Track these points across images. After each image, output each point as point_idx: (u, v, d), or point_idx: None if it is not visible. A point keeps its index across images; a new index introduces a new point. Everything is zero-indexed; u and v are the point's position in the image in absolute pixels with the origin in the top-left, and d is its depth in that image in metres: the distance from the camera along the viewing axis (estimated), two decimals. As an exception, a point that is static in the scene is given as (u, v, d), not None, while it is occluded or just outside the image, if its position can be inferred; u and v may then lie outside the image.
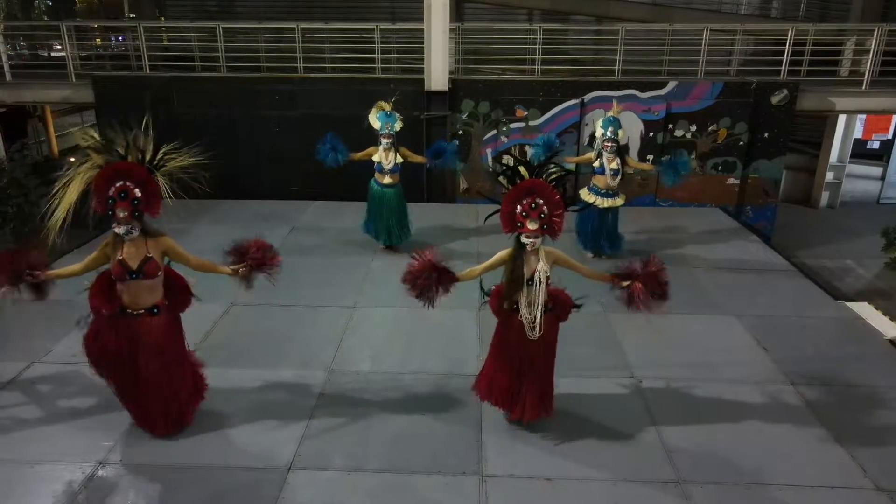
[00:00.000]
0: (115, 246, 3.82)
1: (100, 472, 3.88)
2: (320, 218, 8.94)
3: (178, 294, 4.13)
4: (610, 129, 6.94)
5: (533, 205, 3.75)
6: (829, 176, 13.00)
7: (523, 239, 3.83)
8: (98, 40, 14.75)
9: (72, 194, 3.78)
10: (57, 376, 4.89)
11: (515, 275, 3.91)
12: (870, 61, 9.82)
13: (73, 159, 3.85)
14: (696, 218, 9.24)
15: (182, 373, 4.12)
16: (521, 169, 3.89)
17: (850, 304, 6.40)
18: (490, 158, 9.96)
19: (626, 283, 4.07)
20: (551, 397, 4.27)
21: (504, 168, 3.96)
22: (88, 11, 24.92)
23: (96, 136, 3.85)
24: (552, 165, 3.96)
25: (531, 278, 3.88)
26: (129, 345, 3.89)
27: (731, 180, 9.95)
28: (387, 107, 7.01)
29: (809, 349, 5.51)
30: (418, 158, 7.34)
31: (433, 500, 3.73)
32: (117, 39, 16.62)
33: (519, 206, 3.77)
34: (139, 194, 3.71)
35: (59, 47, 13.32)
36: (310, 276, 6.86)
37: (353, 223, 8.39)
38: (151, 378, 3.94)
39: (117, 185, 3.67)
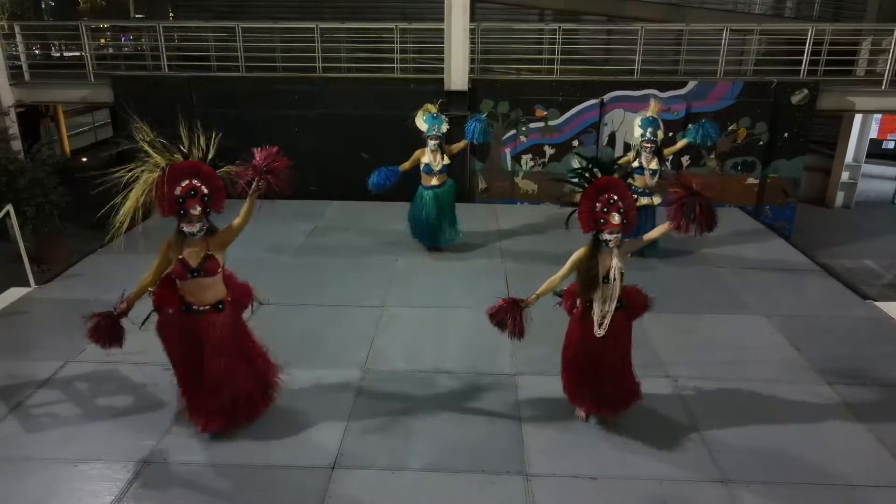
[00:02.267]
0: (177, 246, 3.80)
1: (144, 471, 3.87)
2: (341, 218, 8.94)
3: (240, 293, 4.15)
4: (649, 129, 6.93)
5: (611, 200, 3.81)
6: (845, 176, 12.97)
7: (605, 236, 3.84)
8: (103, 40, 14.77)
9: (136, 195, 3.73)
10: (92, 375, 4.89)
11: (591, 273, 3.94)
12: (889, 60, 9.80)
13: (131, 165, 3.76)
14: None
15: (247, 371, 4.08)
16: (595, 169, 3.93)
17: (879, 304, 6.37)
18: (509, 158, 9.96)
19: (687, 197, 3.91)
20: (634, 395, 4.31)
21: (580, 169, 3.97)
22: (91, 11, 24.89)
23: (152, 134, 3.80)
24: (615, 168, 4.08)
25: (606, 276, 3.92)
26: (194, 339, 3.89)
27: (751, 180, 9.94)
28: (433, 109, 7.04)
29: (843, 348, 5.50)
30: (459, 145, 7.34)
31: (480, 499, 3.73)
32: (127, 39, 16.67)
33: (599, 203, 3.82)
34: (207, 191, 3.72)
35: (68, 48, 13.36)
36: (336, 276, 6.87)
37: (374, 223, 8.41)
38: (214, 374, 3.91)
39: (185, 183, 3.67)
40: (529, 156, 9.95)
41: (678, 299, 6.41)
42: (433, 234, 7.41)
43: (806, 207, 12.63)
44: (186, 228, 3.73)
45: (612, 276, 3.91)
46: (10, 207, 6.59)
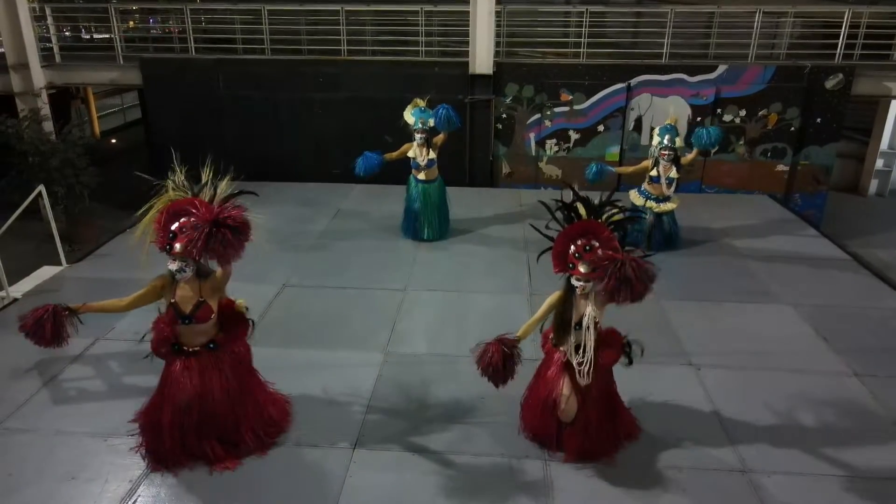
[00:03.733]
0: (168, 286, 3.65)
1: (171, 447, 3.96)
2: (364, 202, 8.96)
3: (235, 324, 3.87)
4: (667, 137, 6.79)
5: (587, 247, 3.49)
6: (880, 163, 12.65)
7: (573, 281, 3.56)
8: (132, 23, 14.92)
9: (146, 223, 3.66)
10: (122, 353, 5.01)
11: (564, 318, 3.66)
12: (929, 45, 9.50)
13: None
14: (744, 205, 9.07)
15: (245, 405, 3.89)
16: (580, 206, 3.62)
17: (911, 296, 6.24)
18: (533, 143, 9.88)
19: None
20: (625, 435, 4.04)
21: (561, 203, 3.68)
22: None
23: (185, 180, 3.68)
24: (613, 207, 3.65)
25: (579, 322, 3.63)
26: (189, 381, 3.69)
27: (781, 167, 9.74)
28: (421, 103, 6.98)
29: (872, 340, 5.39)
30: (440, 137, 7.11)
31: (500, 483, 3.75)
32: (155, 21, 16.81)
33: (573, 247, 3.53)
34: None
35: (98, 30, 13.53)
36: (358, 259, 6.91)
37: (396, 207, 8.39)
38: (210, 412, 3.73)
39: (181, 220, 3.50)
40: (554, 140, 9.87)
41: (702, 287, 6.34)
42: (421, 227, 7.35)
43: (838, 196, 12.35)
44: (168, 265, 3.55)
45: (584, 324, 3.60)
46: (41, 188, 6.74)
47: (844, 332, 5.48)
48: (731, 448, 4.04)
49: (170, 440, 3.74)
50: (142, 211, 3.70)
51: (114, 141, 17.03)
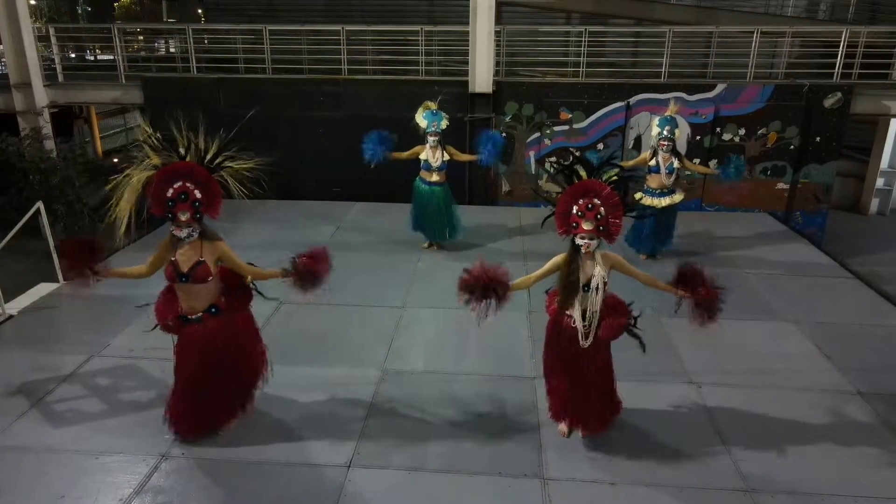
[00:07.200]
0: (171, 246, 3.73)
1: (163, 465, 3.90)
2: (364, 218, 8.96)
3: (237, 292, 4.01)
4: (667, 127, 6.85)
5: (589, 205, 3.58)
6: (880, 182, 12.62)
7: (577, 240, 3.65)
8: (136, 45, 15.10)
9: (130, 195, 3.70)
10: (116, 370, 4.95)
11: (571, 279, 3.71)
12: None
13: (127, 160, 3.77)
14: (746, 223, 9.04)
15: (246, 368, 4.08)
16: (579, 168, 3.74)
17: (914, 313, 6.17)
18: (533, 161, 9.89)
19: (688, 293, 3.92)
20: (614, 411, 4.16)
21: (561, 166, 3.79)
22: (126, 16, 25.49)
23: (154, 133, 3.75)
24: (611, 168, 3.79)
25: (587, 284, 3.69)
26: (193, 350, 3.85)
27: (781, 185, 9.72)
28: (433, 106, 7.10)
29: (876, 358, 5.32)
30: (467, 157, 7.38)
31: (496, 502, 3.67)
32: (158, 43, 17.02)
33: (575, 207, 3.61)
34: (199, 196, 3.59)
35: (98, 51, 13.68)
36: (357, 276, 6.86)
37: (396, 224, 8.39)
38: (214, 378, 3.89)
39: (176, 185, 3.54)
40: (554, 159, 9.87)
41: (704, 305, 6.27)
42: (430, 229, 7.47)
43: (839, 214, 12.30)
44: (174, 232, 3.64)
45: (593, 284, 3.68)
46: (40, 204, 6.72)
47: (847, 350, 5.41)
48: (734, 467, 3.96)
49: (186, 406, 3.94)
50: (119, 179, 3.70)
51: (116, 160, 17.09)
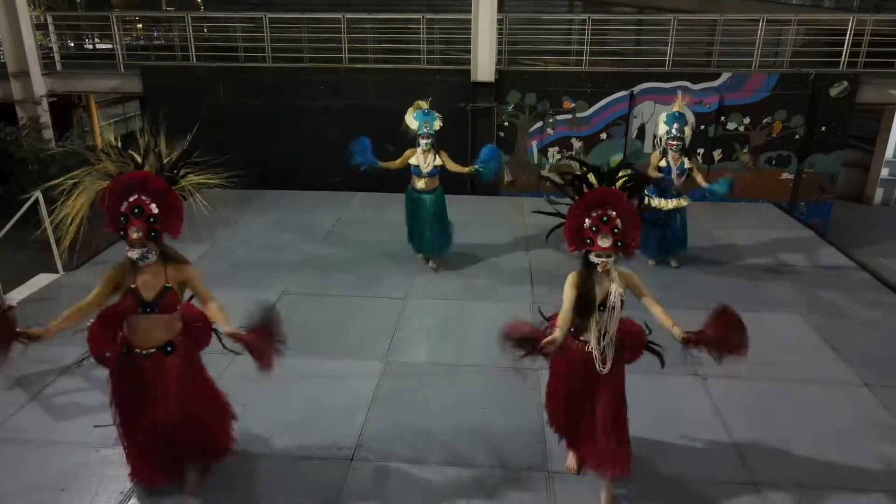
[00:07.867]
0: (127, 273, 3.16)
1: (164, 458, 3.86)
2: (364, 209, 8.90)
3: (197, 330, 3.42)
4: (675, 125, 6.44)
5: (604, 217, 3.13)
6: (885, 172, 12.55)
7: (593, 258, 3.21)
8: (135, 33, 14.98)
9: (80, 209, 3.25)
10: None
11: (588, 299, 3.25)
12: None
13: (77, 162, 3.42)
14: (749, 213, 8.98)
15: (203, 414, 3.47)
16: (590, 176, 3.27)
17: (921, 305, 6.12)
18: (535, 151, 9.81)
19: (697, 347, 3.47)
20: (627, 450, 3.50)
21: (571, 177, 3.32)
22: (126, 5, 25.29)
23: (114, 138, 3.28)
24: (623, 170, 3.34)
25: (603, 302, 3.27)
26: (139, 390, 3.26)
27: (785, 175, 9.65)
28: (424, 105, 6.32)
29: (882, 350, 5.28)
30: (461, 168, 6.44)
31: (500, 495, 3.64)
32: (158, 31, 16.87)
33: (588, 220, 3.16)
34: (156, 210, 3.05)
35: (97, 40, 13.57)
36: (358, 267, 6.83)
37: (397, 215, 8.30)
38: (167, 424, 3.26)
39: (130, 199, 3.02)
40: (556, 148, 9.80)
41: (708, 296, 6.18)
42: (418, 242, 6.78)
43: (843, 204, 12.25)
44: (128, 253, 3.09)
45: (610, 302, 3.25)
46: (38, 194, 6.66)
47: (853, 342, 5.37)
48: (740, 460, 3.93)
49: (140, 456, 3.41)
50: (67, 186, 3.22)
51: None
